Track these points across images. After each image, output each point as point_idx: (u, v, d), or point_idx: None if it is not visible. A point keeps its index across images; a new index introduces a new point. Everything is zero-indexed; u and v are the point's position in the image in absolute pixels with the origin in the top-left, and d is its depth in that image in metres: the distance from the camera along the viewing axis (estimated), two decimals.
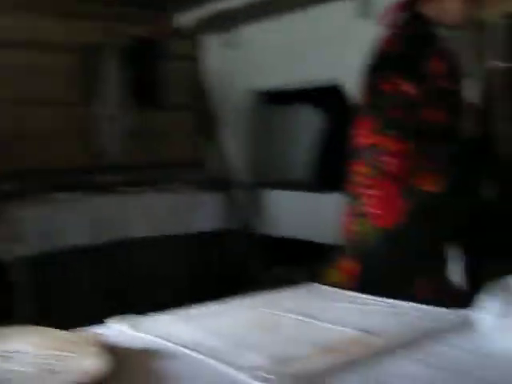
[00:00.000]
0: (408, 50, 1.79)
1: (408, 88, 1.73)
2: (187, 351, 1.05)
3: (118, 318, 1.22)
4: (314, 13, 3.07)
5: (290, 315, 1.29)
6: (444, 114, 1.74)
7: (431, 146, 1.74)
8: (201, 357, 1.02)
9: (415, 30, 1.82)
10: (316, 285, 1.63)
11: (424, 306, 1.31)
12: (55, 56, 3.28)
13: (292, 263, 3.20)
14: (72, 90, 3.33)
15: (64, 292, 2.73)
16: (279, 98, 3.66)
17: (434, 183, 1.72)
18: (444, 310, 1.29)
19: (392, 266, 1.74)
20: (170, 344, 1.09)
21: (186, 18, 3.27)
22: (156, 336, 1.14)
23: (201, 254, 3.19)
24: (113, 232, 2.80)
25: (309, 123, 3.66)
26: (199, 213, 3.13)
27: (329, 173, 3.45)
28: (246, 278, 3.17)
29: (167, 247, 3.02)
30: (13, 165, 2.87)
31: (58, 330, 1.10)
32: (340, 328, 1.18)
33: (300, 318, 1.27)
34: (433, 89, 1.73)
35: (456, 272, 1.77)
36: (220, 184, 3.27)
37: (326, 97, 3.40)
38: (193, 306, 1.38)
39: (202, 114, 3.37)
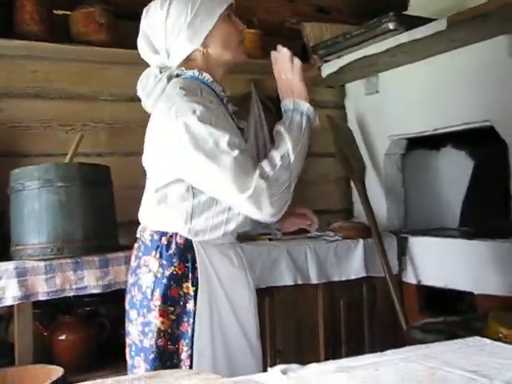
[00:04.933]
0: None
1: None
2: None
3: (279, 367, 1.21)
4: (458, 54, 3.01)
5: (457, 371, 1.21)
6: None
7: None
8: None
9: None
10: (481, 338, 1.53)
11: None
12: None
13: (443, 314, 3.05)
14: None
15: None
16: (426, 143, 3.59)
17: None
18: None
19: None
20: None
21: (329, 67, 3.32)
22: None
23: (349, 302, 3.14)
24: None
25: (459, 168, 3.53)
26: (349, 260, 3.09)
27: (482, 219, 3.31)
28: (396, 326, 3.06)
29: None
30: None
31: (221, 377, 1.11)
32: None
33: (469, 375, 1.19)
34: None
35: None
36: (368, 231, 3.22)
37: (476, 139, 3.28)
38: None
39: (350, 161, 3.37)
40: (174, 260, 1.70)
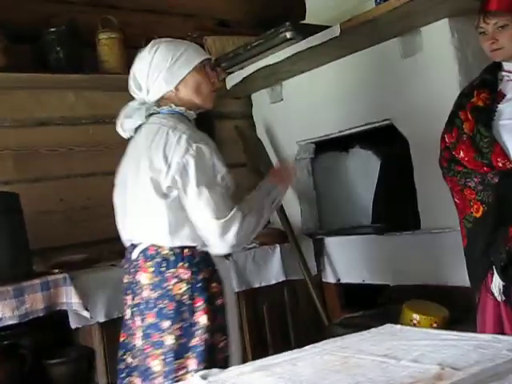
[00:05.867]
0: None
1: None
2: None
3: (199, 373, 1.24)
4: (356, 58, 3.14)
5: (369, 357, 1.28)
6: None
7: None
8: None
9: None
10: (393, 325, 1.61)
11: (507, 337, 1.27)
12: None
13: (364, 308, 3.17)
14: None
15: None
16: (334, 146, 3.69)
17: None
18: None
19: None
20: None
21: (233, 79, 3.39)
22: None
23: (271, 306, 3.19)
24: None
25: (367, 167, 3.66)
26: (267, 266, 3.15)
27: (392, 214, 3.44)
28: (319, 325, 3.14)
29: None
30: None
31: None
32: (423, 365, 1.16)
33: (380, 358, 1.25)
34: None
35: None
36: (284, 236, 3.28)
37: (381, 138, 3.41)
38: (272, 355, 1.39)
39: (260, 170, 3.43)
40: (201, 266, 1.94)
